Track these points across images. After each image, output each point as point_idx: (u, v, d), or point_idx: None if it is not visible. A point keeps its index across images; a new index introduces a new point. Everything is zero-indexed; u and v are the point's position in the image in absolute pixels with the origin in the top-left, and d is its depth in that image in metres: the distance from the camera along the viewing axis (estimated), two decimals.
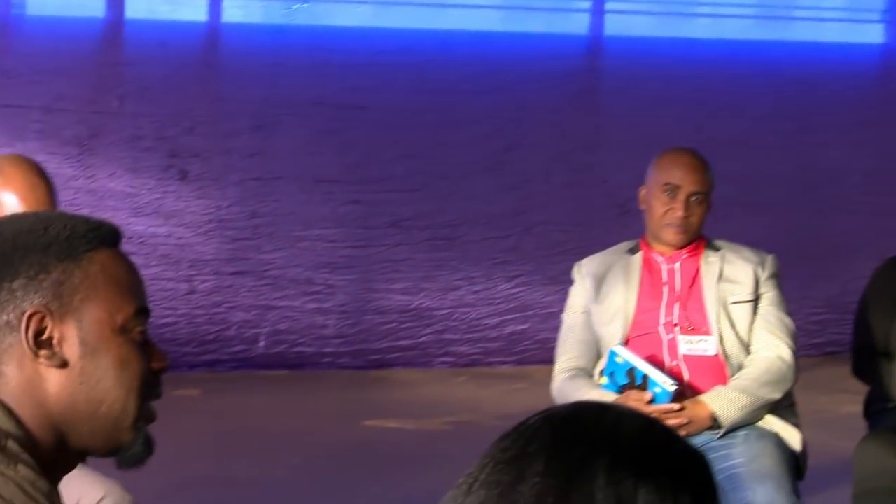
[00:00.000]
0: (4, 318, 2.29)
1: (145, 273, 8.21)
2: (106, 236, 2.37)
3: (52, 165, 8.98)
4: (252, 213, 9.60)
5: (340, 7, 10.09)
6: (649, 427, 1.76)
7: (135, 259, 7.80)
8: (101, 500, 4.45)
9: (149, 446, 2.35)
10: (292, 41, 9.77)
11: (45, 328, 2.28)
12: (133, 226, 9.14)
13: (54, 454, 2.31)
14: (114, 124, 9.36)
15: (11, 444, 2.21)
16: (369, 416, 8.63)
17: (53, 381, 2.29)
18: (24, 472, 2.16)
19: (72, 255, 2.30)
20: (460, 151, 9.91)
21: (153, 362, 2.36)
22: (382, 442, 8.16)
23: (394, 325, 9.86)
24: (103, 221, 2.40)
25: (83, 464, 2.50)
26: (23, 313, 2.27)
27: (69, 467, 2.37)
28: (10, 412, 2.26)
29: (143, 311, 2.37)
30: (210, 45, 9.85)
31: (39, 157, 8.81)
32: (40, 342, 2.28)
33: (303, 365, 9.70)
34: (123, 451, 2.35)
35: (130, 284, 2.37)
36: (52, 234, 2.31)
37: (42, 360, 2.28)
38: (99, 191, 9.28)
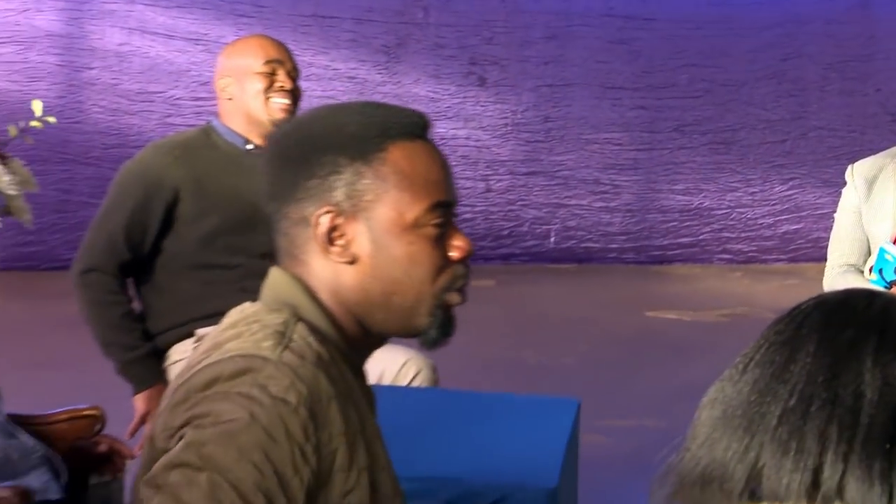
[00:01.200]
0: (301, 214, 2.26)
1: None
2: (405, 129, 2.29)
3: (361, 72, 9.53)
4: (545, 118, 9.72)
5: None
6: None
7: None
8: (404, 365, 4.52)
9: (445, 330, 2.31)
10: None
11: (337, 226, 2.24)
12: (435, 128, 9.37)
13: (359, 336, 2.29)
14: (418, 34, 9.57)
15: (298, 331, 2.20)
16: (650, 307, 8.73)
17: (347, 275, 2.27)
18: (288, 356, 2.12)
19: (363, 155, 2.25)
20: (740, 60, 9.94)
21: (452, 251, 2.29)
22: (662, 331, 8.23)
23: (675, 223, 9.95)
24: (402, 115, 2.30)
25: None
26: (316, 210, 2.24)
27: (374, 347, 2.35)
28: (316, 301, 2.28)
29: (438, 205, 2.28)
30: None
31: (350, 65, 9.48)
32: (332, 239, 2.24)
33: (590, 259, 9.82)
34: (420, 334, 2.30)
35: (425, 180, 2.27)
36: (346, 133, 2.26)
37: (333, 255, 2.25)
38: (404, 95, 9.49)
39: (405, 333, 2.32)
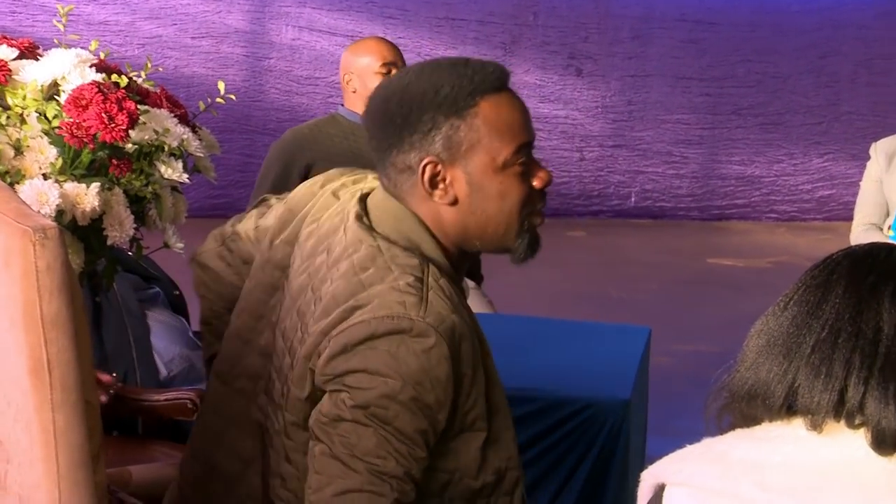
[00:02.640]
0: (406, 162, 2.19)
1: (546, 145, 8.86)
2: (490, 85, 2.20)
3: None
4: (629, 101, 9.69)
5: None
6: None
7: (539, 134, 8.45)
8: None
9: (532, 248, 2.25)
10: None
11: (438, 173, 2.18)
12: (540, 110, 9.29)
13: (459, 257, 2.24)
14: (529, 33, 9.52)
15: (431, 273, 2.15)
16: (711, 255, 8.73)
17: (447, 214, 2.20)
18: (430, 312, 2.07)
19: (457, 112, 2.16)
20: (787, 57, 9.84)
21: (534, 181, 2.23)
22: (721, 274, 8.24)
23: (731, 187, 9.89)
24: (486, 71, 2.22)
25: None
26: (420, 161, 2.18)
27: (469, 261, 2.31)
28: (433, 237, 2.21)
29: (524, 146, 2.21)
30: None
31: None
32: (434, 183, 2.19)
33: (662, 216, 9.79)
34: (511, 252, 2.25)
35: (510, 126, 2.20)
36: (441, 95, 2.16)
37: (436, 198, 2.19)
38: (516, 83, 8.94)
39: (496, 252, 2.27)
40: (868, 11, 9.96)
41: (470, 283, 4.63)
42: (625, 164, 9.73)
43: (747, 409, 1.66)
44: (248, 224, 2.56)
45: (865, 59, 9.98)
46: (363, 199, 2.29)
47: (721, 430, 1.68)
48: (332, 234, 2.27)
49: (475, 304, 4.51)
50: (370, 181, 2.36)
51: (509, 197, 2.20)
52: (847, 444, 1.59)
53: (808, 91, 9.93)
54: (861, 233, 5.12)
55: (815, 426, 1.60)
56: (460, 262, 2.26)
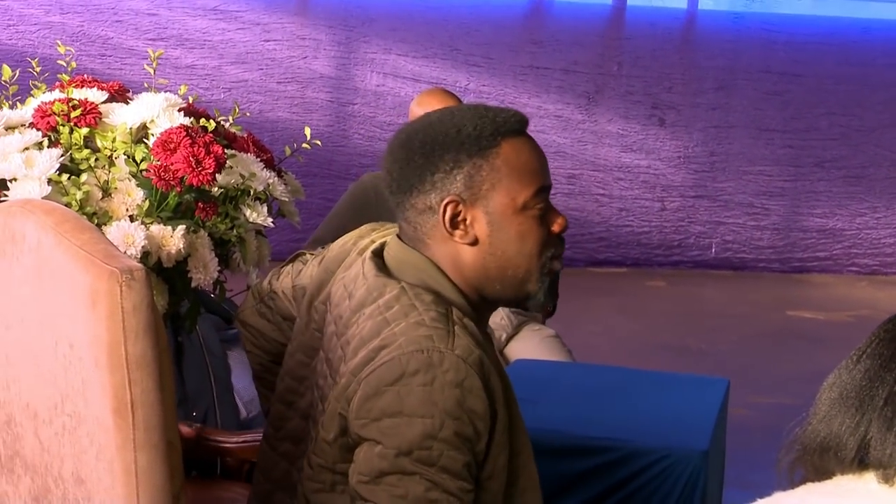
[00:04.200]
0: (427, 203, 2.20)
1: (628, 194, 8.82)
2: (511, 127, 2.22)
3: (566, 112, 9.50)
4: (711, 153, 9.63)
5: None
6: None
7: (620, 183, 8.48)
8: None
9: (552, 293, 2.26)
10: (749, 24, 9.70)
11: (459, 213, 2.19)
12: (622, 158, 9.32)
13: (480, 303, 2.24)
14: (613, 83, 9.50)
15: (454, 314, 2.15)
16: (792, 307, 8.65)
17: (467, 254, 2.20)
18: (459, 345, 2.08)
19: (480, 152, 2.18)
20: (871, 111, 9.74)
21: (553, 226, 2.24)
22: (801, 327, 8.14)
23: (813, 240, 9.78)
24: (507, 115, 2.24)
25: None
26: (441, 200, 2.18)
27: (492, 310, 2.31)
28: (451, 281, 2.21)
29: (542, 189, 2.23)
30: (688, 26, 9.79)
31: (558, 106, 9.47)
32: (455, 223, 2.19)
33: (743, 267, 9.68)
34: (530, 300, 2.25)
35: (531, 168, 2.22)
36: (464, 134, 2.18)
37: (457, 238, 2.20)
38: (599, 132, 9.42)
39: (517, 299, 2.28)
40: None
41: (549, 331, 4.63)
42: (706, 215, 9.68)
43: (819, 462, 1.65)
44: (284, 282, 2.58)
45: None
46: (378, 253, 2.30)
47: (793, 483, 1.68)
48: (353, 281, 2.28)
49: (554, 352, 4.53)
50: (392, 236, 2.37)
51: (529, 239, 2.21)
52: None
53: (893, 144, 9.82)
54: None
55: (888, 479, 1.59)
56: (481, 308, 2.26)
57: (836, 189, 9.83)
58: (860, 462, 1.63)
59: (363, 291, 2.22)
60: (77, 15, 8.98)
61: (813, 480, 1.66)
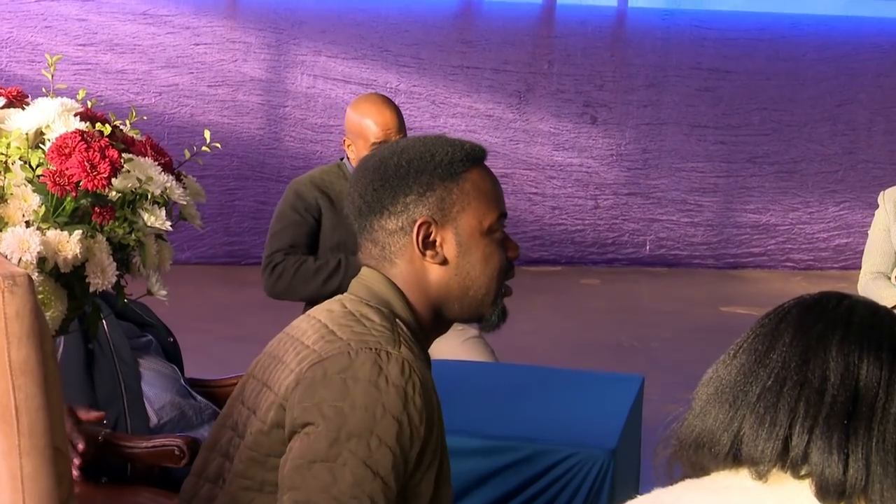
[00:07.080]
0: (399, 224, 2.26)
1: (561, 193, 8.83)
2: (477, 156, 2.32)
3: (497, 111, 9.52)
4: (644, 150, 9.69)
5: None
6: (877, 312, 1.67)
7: (553, 182, 8.44)
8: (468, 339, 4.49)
9: (503, 315, 2.35)
10: (679, 21, 9.77)
11: (431, 233, 2.26)
12: (555, 157, 9.37)
13: (432, 324, 2.31)
14: (544, 82, 9.54)
15: (400, 327, 2.22)
16: (725, 303, 8.67)
17: (434, 273, 2.27)
18: (405, 352, 2.13)
19: (451, 176, 2.26)
20: (803, 105, 9.83)
21: (509, 252, 2.32)
22: (735, 323, 8.04)
23: (747, 236, 9.86)
24: (472, 145, 2.34)
25: None
26: (414, 222, 2.25)
27: (441, 332, 2.37)
28: (405, 299, 2.28)
29: (503, 216, 2.33)
30: (618, 23, 9.82)
31: (489, 105, 9.48)
32: (427, 244, 2.26)
33: (677, 264, 9.75)
34: (484, 320, 2.34)
35: (495, 195, 2.31)
36: (437, 159, 2.27)
37: (427, 258, 2.27)
38: (531, 130, 9.48)
39: (471, 319, 2.35)
40: (885, 60, 9.97)
41: (472, 331, 4.62)
42: (639, 213, 9.73)
43: (695, 457, 1.65)
44: None
45: (882, 108, 9.97)
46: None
47: (672, 479, 1.67)
48: (296, 326, 2.32)
49: (476, 352, 4.52)
50: None
51: (491, 262, 2.30)
52: (792, 494, 1.56)
53: (825, 139, 9.92)
54: (869, 281, 5.07)
55: (760, 476, 1.58)
56: (429, 330, 2.32)
57: (768, 185, 9.90)
58: (734, 458, 1.62)
59: (305, 321, 2.28)
60: (6, 21, 8.92)
61: (692, 476, 1.65)
